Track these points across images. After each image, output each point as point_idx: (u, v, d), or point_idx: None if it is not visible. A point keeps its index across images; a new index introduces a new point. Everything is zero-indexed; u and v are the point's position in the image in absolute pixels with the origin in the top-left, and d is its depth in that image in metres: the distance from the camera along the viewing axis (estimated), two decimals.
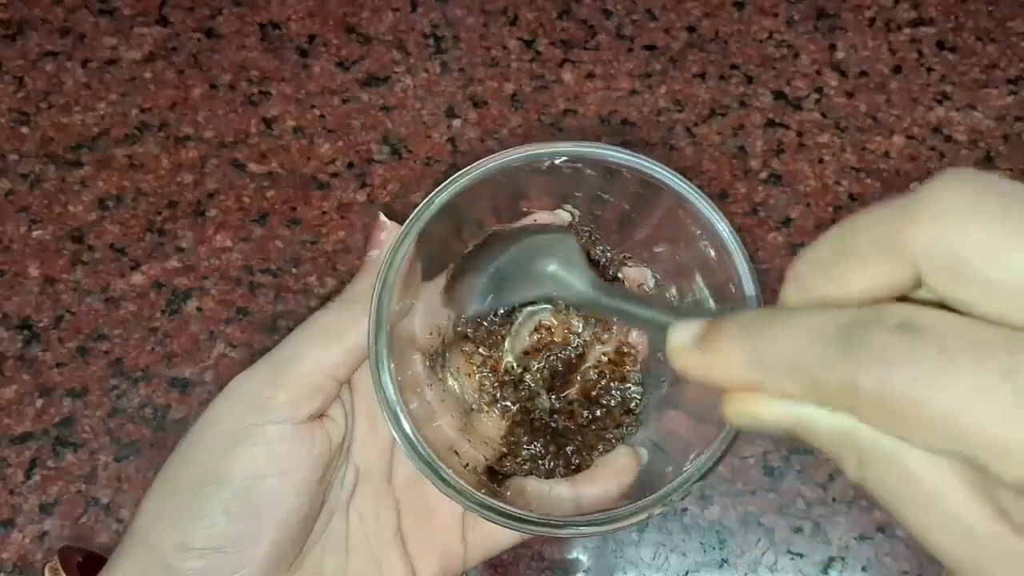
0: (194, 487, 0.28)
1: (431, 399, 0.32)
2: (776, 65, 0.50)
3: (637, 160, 0.30)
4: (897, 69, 0.50)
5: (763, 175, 0.47)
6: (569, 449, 0.33)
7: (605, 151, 0.30)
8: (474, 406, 0.34)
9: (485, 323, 0.35)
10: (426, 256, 0.30)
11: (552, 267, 0.28)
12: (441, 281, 0.33)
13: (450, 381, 0.34)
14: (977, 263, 0.14)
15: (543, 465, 0.33)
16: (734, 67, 0.49)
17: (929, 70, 0.50)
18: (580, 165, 0.30)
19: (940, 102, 0.49)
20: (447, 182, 0.29)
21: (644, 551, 0.41)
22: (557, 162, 0.30)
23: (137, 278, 0.45)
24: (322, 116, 0.48)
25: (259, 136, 0.48)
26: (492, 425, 0.34)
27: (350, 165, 0.47)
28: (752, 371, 0.17)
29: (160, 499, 0.28)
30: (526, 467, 0.33)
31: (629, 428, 0.34)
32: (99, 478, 0.41)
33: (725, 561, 0.40)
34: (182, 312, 0.44)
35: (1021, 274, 0.14)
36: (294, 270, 0.45)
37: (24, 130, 0.47)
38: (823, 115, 0.48)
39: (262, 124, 0.48)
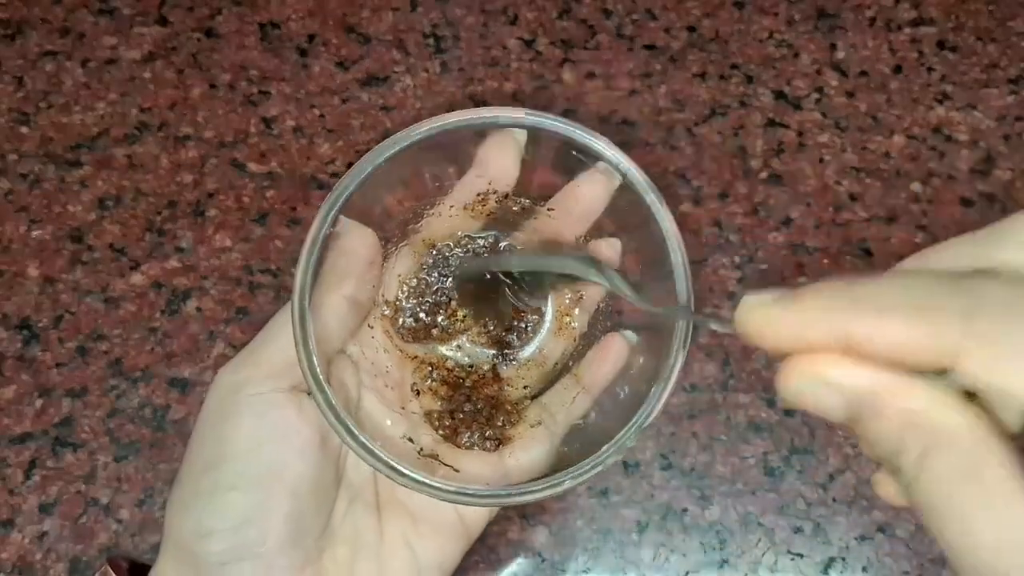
0: (201, 475, 0.29)
1: (365, 376, 0.32)
2: (776, 65, 0.50)
3: (550, 122, 0.31)
4: (897, 69, 0.50)
5: (763, 175, 0.47)
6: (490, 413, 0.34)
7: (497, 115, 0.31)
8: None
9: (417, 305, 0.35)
10: (381, 233, 0.32)
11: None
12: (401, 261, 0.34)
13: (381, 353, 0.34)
14: None
15: (468, 435, 0.33)
16: (734, 67, 0.49)
17: (930, 70, 0.49)
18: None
19: (940, 102, 0.49)
20: (355, 165, 0.30)
21: (644, 551, 0.41)
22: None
23: (137, 278, 0.45)
24: (322, 116, 0.48)
25: (259, 136, 0.48)
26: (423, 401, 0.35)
27: (350, 165, 0.47)
28: (853, 316, 0.16)
29: (177, 498, 0.29)
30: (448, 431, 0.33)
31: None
32: (99, 478, 0.41)
33: (725, 561, 0.40)
34: (182, 312, 0.44)
35: None
36: (294, 270, 0.45)
37: (24, 130, 0.47)
38: (823, 115, 0.48)
39: (262, 124, 0.48)
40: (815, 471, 0.42)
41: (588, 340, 0.36)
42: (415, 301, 0.35)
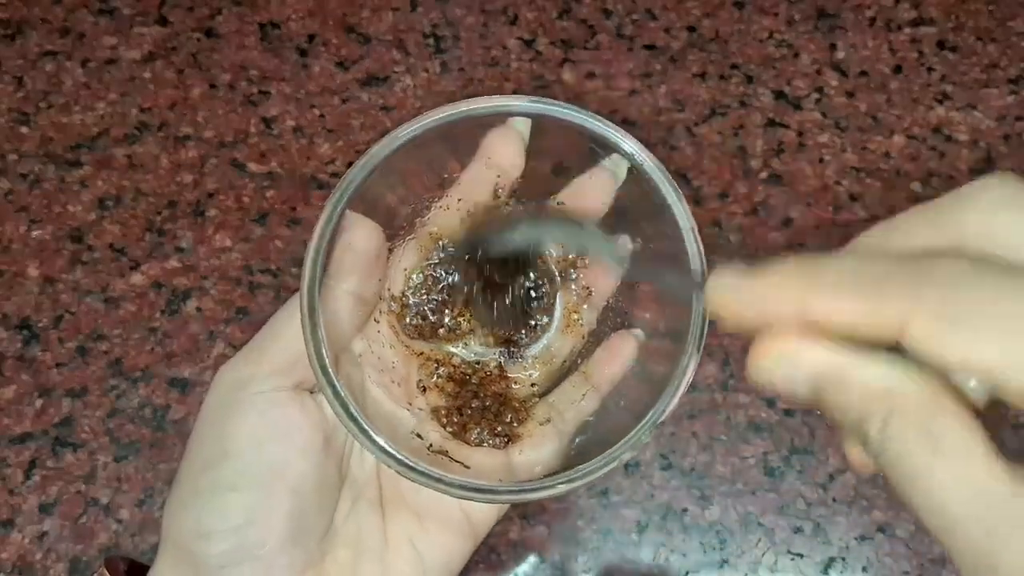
0: (200, 473, 0.28)
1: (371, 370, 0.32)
2: (776, 65, 0.50)
3: (564, 110, 0.30)
4: (897, 69, 0.50)
5: (763, 175, 0.47)
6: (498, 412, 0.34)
7: (512, 103, 0.31)
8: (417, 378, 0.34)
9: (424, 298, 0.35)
10: (386, 225, 0.31)
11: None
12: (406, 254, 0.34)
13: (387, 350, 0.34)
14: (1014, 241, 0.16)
15: (478, 430, 0.33)
16: (734, 67, 0.49)
17: (930, 70, 0.49)
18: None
19: (940, 102, 0.49)
20: (362, 157, 0.30)
21: (644, 551, 0.41)
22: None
23: (137, 278, 0.45)
24: (322, 116, 0.48)
25: (259, 136, 0.48)
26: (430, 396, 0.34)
27: (350, 165, 0.47)
28: (808, 296, 0.17)
29: (176, 497, 0.29)
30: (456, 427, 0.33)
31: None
32: (98, 478, 0.41)
33: (725, 561, 0.40)
34: (182, 312, 0.44)
35: None
36: (294, 270, 0.45)
37: (24, 130, 0.47)
38: (823, 115, 0.48)
39: (262, 124, 0.48)
40: (815, 471, 0.42)
41: (597, 337, 0.35)
42: (421, 298, 0.35)
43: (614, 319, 0.36)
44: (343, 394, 0.28)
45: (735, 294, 0.19)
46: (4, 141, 0.47)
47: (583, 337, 0.36)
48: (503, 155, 0.32)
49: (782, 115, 0.48)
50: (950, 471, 0.15)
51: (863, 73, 0.49)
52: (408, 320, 0.34)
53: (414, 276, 0.35)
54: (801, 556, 0.41)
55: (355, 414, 0.27)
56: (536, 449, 0.32)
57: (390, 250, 0.33)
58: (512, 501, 0.29)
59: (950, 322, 0.15)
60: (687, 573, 0.40)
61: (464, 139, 0.32)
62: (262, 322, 0.44)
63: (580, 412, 0.33)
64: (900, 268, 0.16)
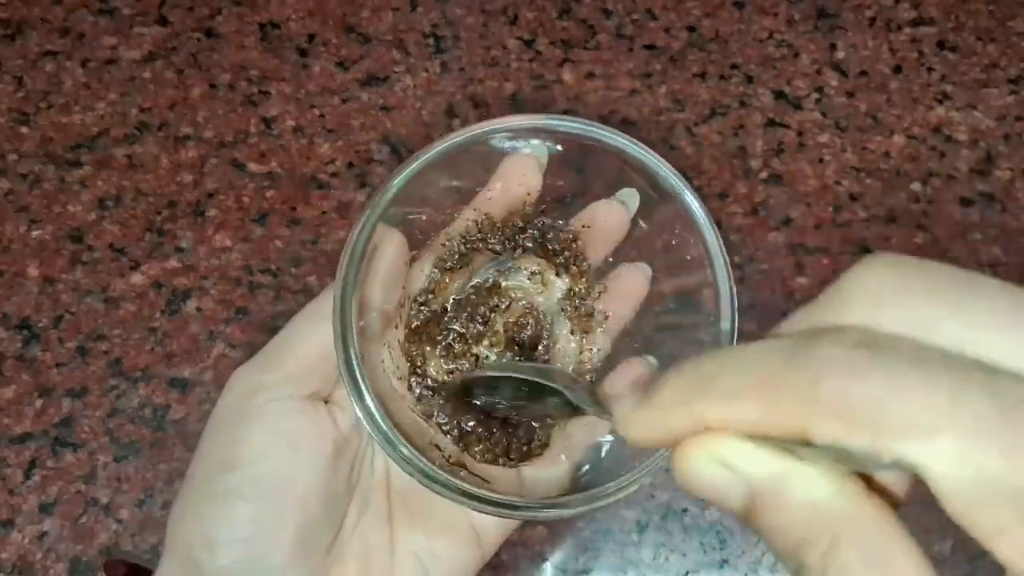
0: (209, 479, 0.28)
1: (396, 385, 0.32)
2: (776, 65, 0.50)
3: (608, 135, 0.31)
4: (897, 69, 0.50)
5: (763, 175, 0.47)
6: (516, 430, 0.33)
7: (564, 123, 0.31)
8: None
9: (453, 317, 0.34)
10: (410, 235, 0.31)
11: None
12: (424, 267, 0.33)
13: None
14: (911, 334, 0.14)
15: (493, 448, 0.33)
16: (734, 67, 0.49)
17: (929, 70, 0.49)
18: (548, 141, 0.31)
19: (940, 102, 0.49)
20: (401, 166, 0.30)
21: (644, 551, 0.40)
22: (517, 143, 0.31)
23: (137, 278, 0.45)
24: (322, 116, 0.48)
25: (259, 136, 0.48)
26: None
27: (350, 165, 0.47)
28: (703, 402, 0.16)
29: (183, 500, 0.29)
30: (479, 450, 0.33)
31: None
32: (98, 478, 0.41)
33: (725, 561, 0.40)
34: (182, 312, 0.44)
35: (956, 342, 0.14)
36: (294, 270, 0.45)
37: (24, 130, 0.47)
38: (823, 115, 0.48)
39: (262, 124, 0.48)
40: None
41: (611, 362, 0.35)
42: (427, 348, 0.34)
43: (630, 343, 0.35)
44: (372, 403, 0.27)
45: (637, 425, 0.18)
46: (4, 141, 0.47)
47: (594, 361, 0.35)
48: (518, 179, 0.32)
49: (782, 115, 0.48)
50: (786, 507, 0.15)
51: (863, 73, 0.49)
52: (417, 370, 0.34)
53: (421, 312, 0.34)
54: None
55: (382, 423, 0.27)
56: (546, 468, 0.32)
57: (412, 260, 0.33)
58: (532, 519, 0.29)
59: (857, 422, 0.14)
60: (687, 573, 0.40)
61: (490, 158, 0.32)
62: (262, 322, 0.44)
63: (591, 434, 0.33)
64: (789, 359, 0.15)
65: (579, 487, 0.29)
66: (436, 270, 0.34)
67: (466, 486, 0.27)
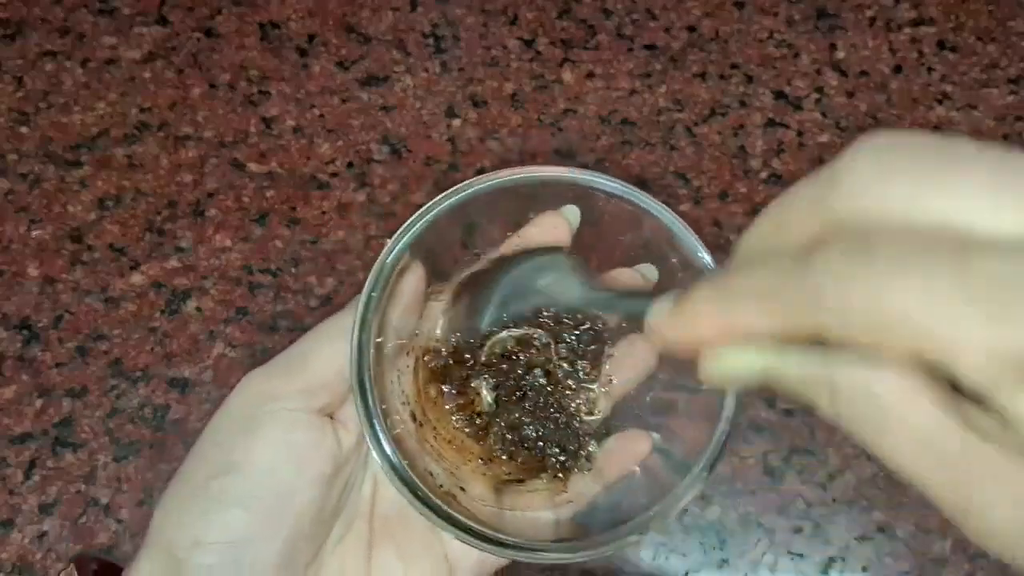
0: (209, 480, 0.28)
1: (406, 420, 0.32)
2: (776, 65, 0.50)
3: (627, 191, 0.31)
4: (897, 69, 0.50)
5: (763, 175, 0.47)
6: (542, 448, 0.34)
7: (598, 180, 0.31)
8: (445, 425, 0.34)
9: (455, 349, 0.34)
10: (430, 270, 0.31)
11: (545, 281, 0.31)
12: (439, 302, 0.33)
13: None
14: (896, 219, 0.16)
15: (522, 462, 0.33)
16: (734, 67, 0.49)
17: (929, 70, 0.49)
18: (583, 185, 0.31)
19: (940, 102, 0.49)
20: (441, 196, 0.30)
21: (644, 551, 0.40)
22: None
23: (136, 278, 0.45)
24: (322, 116, 0.48)
25: (259, 136, 0.48)
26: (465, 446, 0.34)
27: (350, 165, 0.47)
28: (724, 313, 0.18)
29: (175, 496, 0.28)
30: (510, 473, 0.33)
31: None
32: (98, 478, 0.41)
33: (725, 561, 0.40)
34: (181, 312, 0.44)
35: (940, 215, 0.15)
36: (294, 270, 0.45)
37: (23, 130, 0.47)
38: (823, 115, 0.48)
39: (262, 124, 0.48)
40: (815, 471, 0.42)
41: (607, 427, 0.35)
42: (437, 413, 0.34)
43: (632, 410, 0.35)
44: (386, 448, 0.28)
45: (667, 325, 0.20)
46: (4, 141, 0.47)
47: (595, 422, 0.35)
48: (549, 233, 0.32)
49: (782, 115, 0.48)
50: (902, 434, 0.16)
51: (863, 73, 0.49)
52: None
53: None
54: (801, 556, 0.40)
55: (386, 446, 0.28)
56: (534, 512, 0.32)
57: (430, 295, 0.33)
58: (513, 558, 0.29)
59: (858, 328, 0.15)
60: (687, 573, 0.40)
61: (520, 203, 0.32)
62: (262, 322, 0.44)
63: (586, 488, 0.33)
64: (798, 271, 0.16)
65: (572, 529, 0.30)
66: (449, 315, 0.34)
67: (459, 517, 0.28)
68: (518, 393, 0.34)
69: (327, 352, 0.29)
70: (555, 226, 0.32)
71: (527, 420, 0.34)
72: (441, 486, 0.31)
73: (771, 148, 0.48)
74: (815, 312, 0.16)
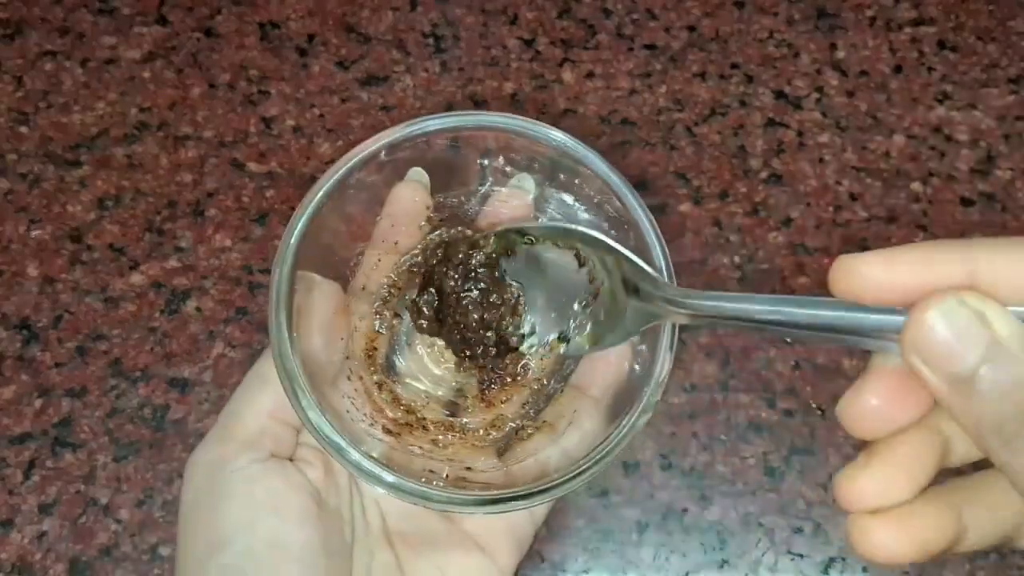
0: (204, 559, 0.27)
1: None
2: (776, 64, 0.50)
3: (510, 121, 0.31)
4: (898, 68, 0.50)
5: (763, 175, 0.47)
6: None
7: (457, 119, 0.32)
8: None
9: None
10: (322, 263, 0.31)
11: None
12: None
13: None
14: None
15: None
16: (734, 66, 0.49)
17: (930, 69, 0.49)
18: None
19: (941, 101, 0.49)
20: (306, 198, 0.31)
21: (644, 551, 0.40)
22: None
23: (136, 278, 0.45)
24: (322, 116, 0.48)
25: (258, 136, 0.48)
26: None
27: None
28: (939, 256, 0.18)
29: None
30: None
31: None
32: (98, 478, 0.41)
33: (725, 562, 0.40)
34: (181, 312, 0.44)
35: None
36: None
37: (23, 130, 0.47)
38: (823, 114, 0.48)
39: (261, 124, 0.48)
40: (815, 471, 0.42)
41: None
42: (380, 365, 0.34)
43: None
44: (353, 455, 0.28)
45: (873, 274, 0.19)
46: (4, 141, 0.47)
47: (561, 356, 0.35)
48: (405, 203, 0.33)
49: (782, 115, 0.48)
50: None
51: (863, 73, 0.49)
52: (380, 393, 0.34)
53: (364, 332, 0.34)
54: (801, 556, 0.40)
55: (369, 466, 0.28)
56: (543, 454, 0.32)
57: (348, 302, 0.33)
58: (544, 500, 0.29)
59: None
60: (687, 573, 0.40)
61: (398, 170, 0.32)
62: (262, 322, 0.44)
63: (580, 406, 0.33)
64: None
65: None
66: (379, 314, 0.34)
67: (476, 493, 0.28)
68: (457, 292, 0.34)
69: (255, 401, 0.29)
70: (414, 194, 0.33)
71: (469, 307, 0.33)
72: (447, 476, 0.31)
73: (771, 148, 0.48)
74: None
